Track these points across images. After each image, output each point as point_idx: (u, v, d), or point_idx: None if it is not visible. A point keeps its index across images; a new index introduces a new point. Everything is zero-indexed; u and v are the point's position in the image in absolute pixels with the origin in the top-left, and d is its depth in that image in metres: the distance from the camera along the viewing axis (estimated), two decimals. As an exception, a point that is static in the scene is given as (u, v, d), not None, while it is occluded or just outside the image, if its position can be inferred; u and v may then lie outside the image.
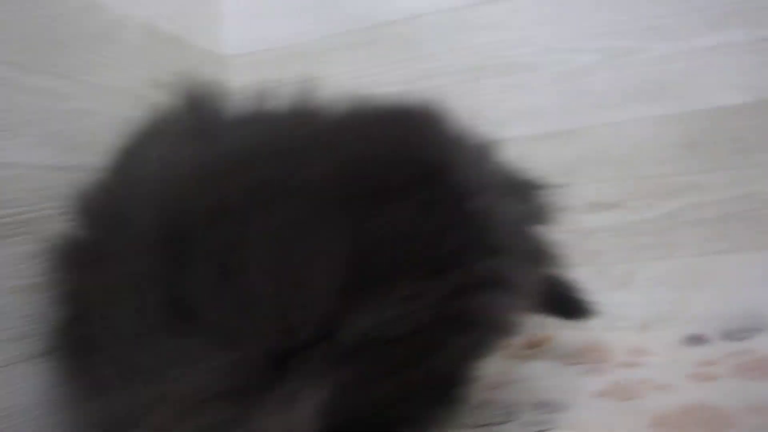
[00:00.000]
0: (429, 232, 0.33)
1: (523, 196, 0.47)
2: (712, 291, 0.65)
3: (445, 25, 0.73)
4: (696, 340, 0.65)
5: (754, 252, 0.64)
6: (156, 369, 0.33)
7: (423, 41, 0.74)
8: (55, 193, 0.55)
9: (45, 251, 0.51)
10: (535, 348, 0.66)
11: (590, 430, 0.42)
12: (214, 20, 0.80)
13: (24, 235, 0.51)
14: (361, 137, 0.39)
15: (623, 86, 0.68)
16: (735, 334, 0.63)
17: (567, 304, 0.57)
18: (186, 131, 0.44)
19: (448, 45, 0.73)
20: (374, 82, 0.76)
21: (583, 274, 0.70)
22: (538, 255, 0.48)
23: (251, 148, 0.38)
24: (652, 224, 0.67)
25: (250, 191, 0.34)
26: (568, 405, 0.48)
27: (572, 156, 0.69)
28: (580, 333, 0.64)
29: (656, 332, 0.66)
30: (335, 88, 0.77)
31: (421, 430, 0.36)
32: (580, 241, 0.69)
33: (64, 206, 0.56)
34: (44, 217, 0.54)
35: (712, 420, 0.42)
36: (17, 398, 0.51)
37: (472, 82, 0.72)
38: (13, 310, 0.50)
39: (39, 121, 0.53)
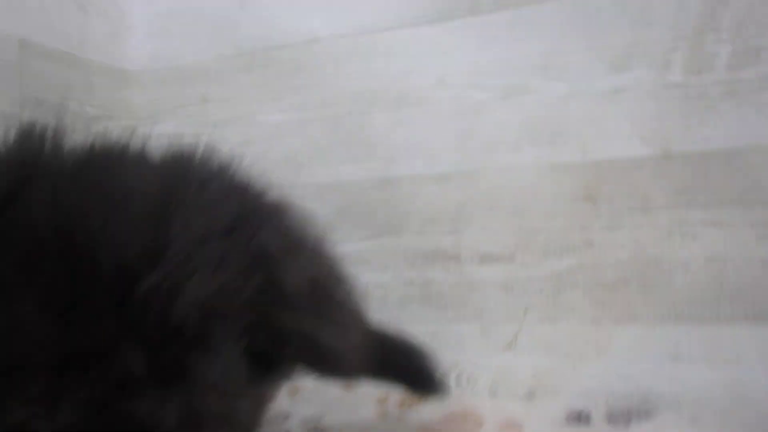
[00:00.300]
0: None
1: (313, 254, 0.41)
2: (602, 363, 0.58)
3: (341, 52, 0.68)
4: (579, 418, 0.58)
5: (651, 324, 0.57)
6: None
7: (317, 67, 0.69)
8: None
9: None
10: (390, 414, 0.60)
11: None
12: (116, 36, 0.77)
13: None
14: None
15: (518, 128, 0.61)
16: (621, 416, 0.56)
17: (412, 374, 0.51)
18: None
19: (340, 74, 0.68)
20: (266, 108, 0.71)
21: (465, 331, 0.64)
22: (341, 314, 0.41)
23: None
24: (542, 282, 0.60)
25: None
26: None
27: (462, 200, 0.63)
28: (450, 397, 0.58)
29: (537, 403, 0.59)
30: (230, 110, 0.73)
31: None
32: (465, 294, 0.62)
33: None
34: None
35: None
36: None
37: (364, 114, 0.66)
38: None
39: None
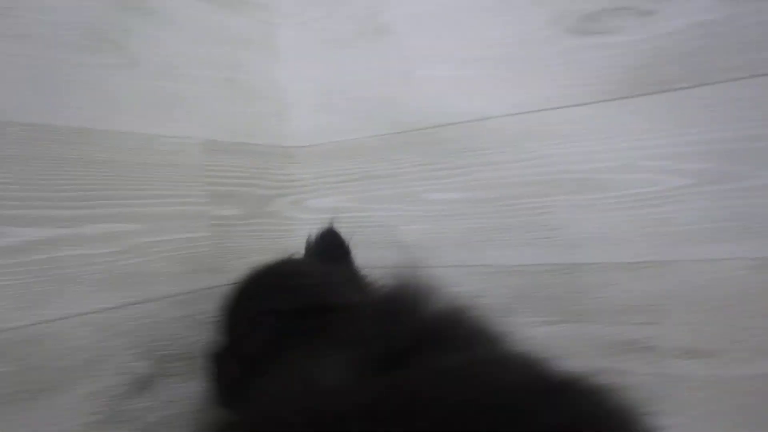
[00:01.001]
0: None
1: None
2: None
3: (512, 132, 0.65)
4: None
5: None
6: None
7: (487, 147, 0.67)
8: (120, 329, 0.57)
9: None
10: None
11: None
12: (279, 116, 0.79)
13: (92, 377, 0.54)
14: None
15: (719, 218, 0.56)
16: None
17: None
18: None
19: (513, 154, 0.65)
20: (433, 187, 0.70)
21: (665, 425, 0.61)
22: None
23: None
24: (753, 382, 0.56)
25: None
26: None
27: (659, 291, 0.59)
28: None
29: None
30: (394, 187, 0.73)
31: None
32: (664, 388, 0.59)
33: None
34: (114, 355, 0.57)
35: None
36: None
37: (540, 197, 0.64)
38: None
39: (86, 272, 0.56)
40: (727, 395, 0.57)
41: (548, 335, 0.64)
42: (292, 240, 0.81)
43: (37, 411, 0.51)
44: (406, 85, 0.72)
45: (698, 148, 0.57)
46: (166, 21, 0.65)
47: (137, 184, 0.60)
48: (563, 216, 0.63)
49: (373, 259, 0.75)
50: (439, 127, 0.70)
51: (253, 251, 0.74)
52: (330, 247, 0.61)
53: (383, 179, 0.74)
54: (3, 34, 0.49)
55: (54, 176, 0.53)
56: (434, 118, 0.70)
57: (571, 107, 0.62)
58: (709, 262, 0.57)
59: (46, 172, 0.52)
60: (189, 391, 0.63)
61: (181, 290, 0.64)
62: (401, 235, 0.73)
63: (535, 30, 0.64)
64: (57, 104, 0.53)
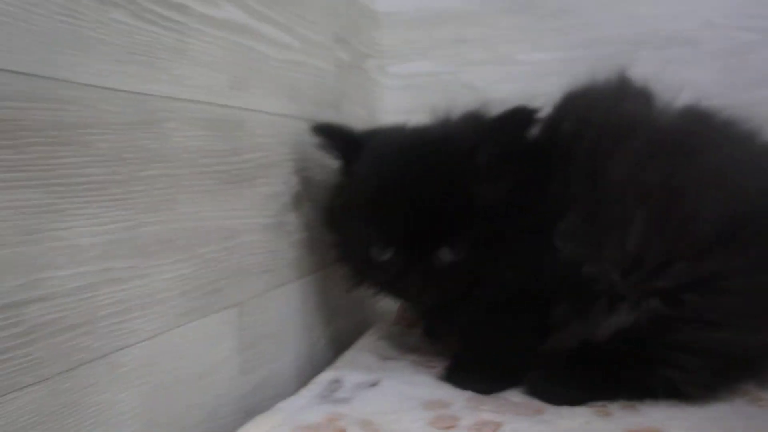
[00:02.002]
0: None
1: None
2: None
3: (605, -4, 0.76)
4: None
5: None
6: None
7: (581, 10, 0.77)
8: (285, 140, 0.58)
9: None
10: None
11: None
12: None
13: (265, 178, 0.55)
14: None
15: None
16: None
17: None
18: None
19: (606, 15, 0.76)
20: (528, 47, 0.79)
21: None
22: None
23: None
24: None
25: None
26: None
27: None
28: None
29: None
30: (485, 51, 0.80)
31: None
32: None
33: (292, 153, 0.60)
34: (281, 161, 0.58)
35: None
36: (269, 325, 0.56)
37: (631, 53, 0.75)
38: (261, 245, 0.54)
39: (270, 71, 0.56)
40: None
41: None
42: (381, 103, 0.84)
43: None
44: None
45: (764, 9, 0.72)
46: None
47: None
48: (650, 70, 0.75)
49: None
50: (535, -8, 0.78)
51: (355, 101, 0.76)
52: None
53: (475, 43, 0.81)
54: None
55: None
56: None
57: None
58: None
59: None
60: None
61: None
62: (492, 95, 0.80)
63: None
64: None
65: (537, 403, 0.49)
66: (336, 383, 0.54)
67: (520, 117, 0.50)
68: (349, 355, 0.62)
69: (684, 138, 0.47)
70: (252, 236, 0.53)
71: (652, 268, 0.44)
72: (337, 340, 0.69)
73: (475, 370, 0.53)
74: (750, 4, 0.72)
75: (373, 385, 0.54)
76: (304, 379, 0.59)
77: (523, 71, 0.79)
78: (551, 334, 0.48)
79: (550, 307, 0.48)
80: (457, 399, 0.50)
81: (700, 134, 0.49)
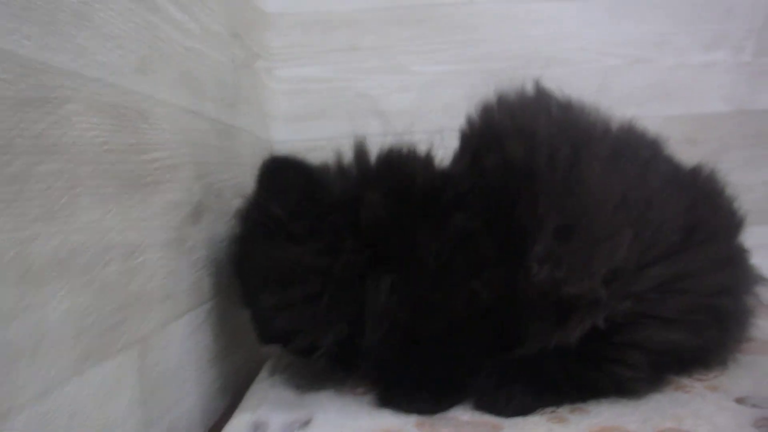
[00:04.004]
0: None
1: None
2: None
3: (497, 15, 0.78)
4: None
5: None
6: None
7: (474, 27, 0.78)
8: (188, 139, 0.49)
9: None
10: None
11: None
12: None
13: (169, 183, 0.46)
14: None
15: (641, 88, 0.80)
16: None
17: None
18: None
19: (498, 33, 0.78)
20: (424, 59, 0.78)
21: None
22: None
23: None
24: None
25: None
26: None
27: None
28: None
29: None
30: (380, 60, 0.78)
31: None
32: None
33: (197, 155, 0.51)
34: (184, 164, 0.48)
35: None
36: (170, 364, 0.45)
37: (520, 69, 0.78)
38: (163, 265, 0.45)
39: (175, 57, 0.47)
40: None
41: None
42: (269, 107, 0.77)
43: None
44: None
45: (626, 38, 0.80)
46: None
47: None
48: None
49: (354, 128, 0.78)
50: (431, 6, 0.78)
51: (250, 102, 0.69)
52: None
53: (370, 51, 0.78)
54: None
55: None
56: (423, -2, 0.78)
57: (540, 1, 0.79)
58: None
59: None
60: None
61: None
62: (385, 105, 0.78)
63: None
64: None
65: (493, 420, 0.46)
66: (261, 427, 0.46)
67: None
68: (259, 390, 0.54)
69: (637, 148, 0.49)
70: (155, 253, 0.43)
71: (630, 275, 0.44)
72: (240, 374, 0.61)
73: (415, 389, 0.48)
74: (614, 34, 0.80)
75: (306, 423, 0.47)
76: (210, 423, 0.50)
77: (417, 81, 0.78)
78: (513, 348, 0.46)
79: (511, 323, 0.45)
80: (406, 425, 0.45)
81: (647, 145, 0.51)
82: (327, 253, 0.47)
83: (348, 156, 0.56)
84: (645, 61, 0.80)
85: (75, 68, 0.33)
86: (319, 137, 0.78)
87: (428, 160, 0.52)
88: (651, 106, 0.80)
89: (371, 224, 0.47)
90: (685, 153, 0.78)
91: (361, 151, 0.53)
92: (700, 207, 0.47)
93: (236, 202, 0.59)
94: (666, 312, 0.44)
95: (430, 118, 0.78)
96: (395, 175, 0.50)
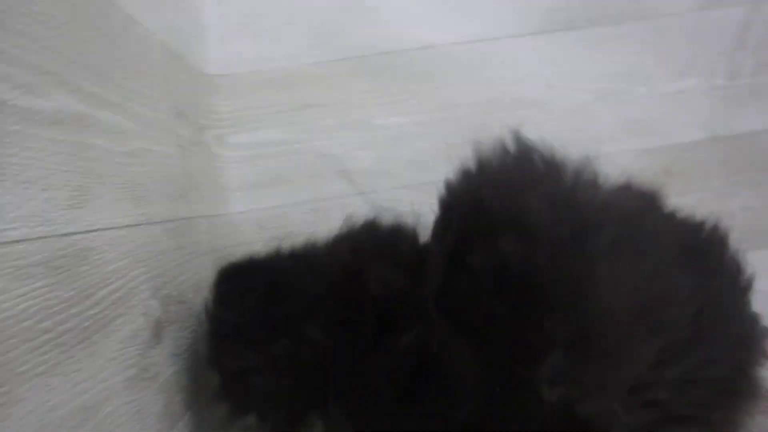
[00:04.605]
0: None
1: None
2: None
3: (457, 59, 0.74)
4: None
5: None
6: None
7: (434, 73, 0.74)
8: (139, 257, 0.43)
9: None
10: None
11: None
12: (199, 36, 0.69)
13: (121, 317, 0.39)
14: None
15: (614, 122, 0.77)
16: None
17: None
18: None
19: (458, 78, 0.74)
20: (385, 111, 0.73)
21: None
22: None
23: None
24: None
25: None
26: None
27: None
28: None
29: None
30: (338, 116, 0.73)
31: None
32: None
33: (151, 270, 0.45)
34: (137, 287, 0.42)
35: None
36: None
37: (487, 115, 0.74)
38: (126, 408, 0.39)
39: (113, 171, 0.41)
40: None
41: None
42: (224, 178, 0.71)
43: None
44: (342, 12, 0.72)
45: (595, 72, 0.77)
46: None
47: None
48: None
49: (320, 191, 0.73)
50: (386, 55, 0.73)
51: (201, 185, 0.63)
52: None
53: (325, 108, 0.73)
54: None
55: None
56: (377, 46, 0.73)
57: (501, 39, 0.75)
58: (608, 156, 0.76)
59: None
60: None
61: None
62: (348, 164, 0.73)
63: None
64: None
65: None
66: None
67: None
68: None
69: (640, 225, 0.45)
70: (114, 402, 0.37)
71: (647, 385, 0.40)
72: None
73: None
74: (581, 68, 0.77)
75: None
76: None
77: (380, 136, 0.73)
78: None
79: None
80: None
81: (646, 210, 0.48)
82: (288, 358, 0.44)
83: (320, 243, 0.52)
84: (616, 93, 0.77)
85: (-10, 238, 0.27)
86: (282, 204, 0.72)
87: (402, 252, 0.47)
88: (625, 141, 0.77)
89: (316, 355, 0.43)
90: (663, 185, 0.76)
91: (337, 241, 0.48)
92: (707, 280, 0.44)
93: (200, 298, 0.54)
94: (682, 410, 0.41)
95: (396, 174, 0.74)
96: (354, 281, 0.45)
